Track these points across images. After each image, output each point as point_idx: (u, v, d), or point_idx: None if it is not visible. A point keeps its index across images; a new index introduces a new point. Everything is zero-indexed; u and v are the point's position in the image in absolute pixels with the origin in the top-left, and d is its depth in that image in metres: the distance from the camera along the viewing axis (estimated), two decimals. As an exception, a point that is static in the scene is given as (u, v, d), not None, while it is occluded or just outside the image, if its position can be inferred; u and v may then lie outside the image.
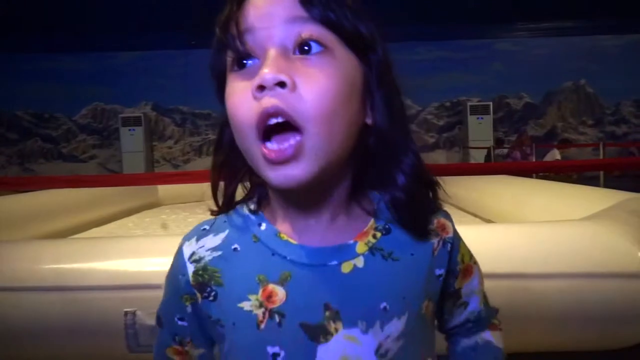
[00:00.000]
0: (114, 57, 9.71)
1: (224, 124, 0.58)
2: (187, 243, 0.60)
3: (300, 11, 0.50)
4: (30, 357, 1.49)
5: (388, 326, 0.54)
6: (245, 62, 0.52)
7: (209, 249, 0.58)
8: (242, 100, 0.51)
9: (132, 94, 9.84)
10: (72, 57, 9.68)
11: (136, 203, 4.18)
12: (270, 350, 0.53)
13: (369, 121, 0.55)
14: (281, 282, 0.54)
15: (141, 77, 9.75)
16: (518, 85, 9.89)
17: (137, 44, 9.34)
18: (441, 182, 0.60)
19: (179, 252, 0.60)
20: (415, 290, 0.57)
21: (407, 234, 0.57)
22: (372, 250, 0.56)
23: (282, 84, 0.48)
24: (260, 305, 0.54)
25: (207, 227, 0.60)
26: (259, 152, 0.50)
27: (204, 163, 9.47)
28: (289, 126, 0.49)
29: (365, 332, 0.53)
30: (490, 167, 3.78)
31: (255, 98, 0.49)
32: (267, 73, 0.48)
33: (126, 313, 1.36)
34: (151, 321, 1.31)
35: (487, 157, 7.83)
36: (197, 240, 0.60)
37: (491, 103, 9.44)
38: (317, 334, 0.53)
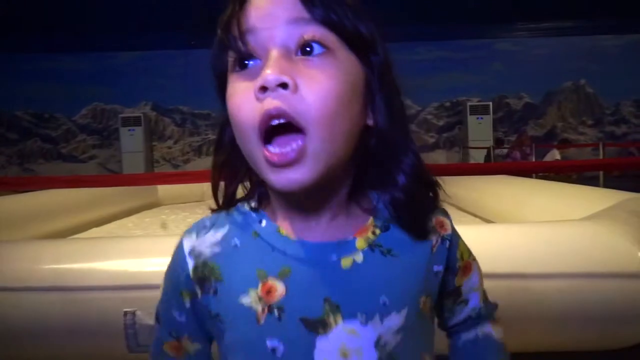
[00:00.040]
0: (114, 57, 9.71)
1: (224, 124, 0.58)
2: (187, 238, 0.60)
3: (302, 12, 0.50)
4: (30, 357, 1.49)
5: (387, 319, 0.54)
6: (247, 62, 0.52)
7: (208, 245, 0.58)
8: (244, 100, 0.51)
9: (132, 94, 9.84)
10: (72, 57, 9.68)
11: (136, 203, 4.18)
12: (270, 344, 0.54)
13: (369, 122, 0.55)
14: (281, 277, 0.54)
15: (141, 77, 9.75)
16: (518, 85, 9.89)
17: (137, 44, 9.34)
18: (441, 182, 0.61)
19: (179, 246, 0.60)
20: (414, 286, 0.57)
21: (406, 232, 0.58)
22: (372, 246, 0.56)
23: (284, 85, 0.48)
24: (260, 300, 0.54)
25: (207, 223, 0.60)
26: (261, 154, 0.50)
27: (204, 163, 9.47)
28: (290, 127, 0.49)
29: (364, 324, 0.54)
30: (490, 167, 3.78)
31: (257, 99, 0.49)
32: (270, 74, 0.48)
33: (126, 313, 1.36)
34: (151, 321, 1.30)
35: (487, 157, 7.83)
36: (197, 235, 0.60)
37: (491, 103, 9.44)
38: (317, 327, 0.53)
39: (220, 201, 0.61)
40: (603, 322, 1.44)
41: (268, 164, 0.50)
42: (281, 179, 0.50)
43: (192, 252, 0.59)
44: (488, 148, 8.04)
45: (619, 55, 9.71)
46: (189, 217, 3.51)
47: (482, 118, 9.31)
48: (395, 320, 0.55)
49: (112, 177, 5.40)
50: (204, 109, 9.70)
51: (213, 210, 0.62)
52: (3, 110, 9.83)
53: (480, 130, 9.24)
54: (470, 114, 9.33)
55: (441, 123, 10.09)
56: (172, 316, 0.61)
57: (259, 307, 0.54)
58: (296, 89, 0.48)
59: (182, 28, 7.81)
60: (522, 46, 9.92)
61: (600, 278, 1.42)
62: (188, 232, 0.61)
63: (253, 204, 0.60)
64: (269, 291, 0.54)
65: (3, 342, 1.43)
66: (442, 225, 0.61)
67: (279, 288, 0.54)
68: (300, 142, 0.49)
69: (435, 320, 0.66)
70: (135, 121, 9.44)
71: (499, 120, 9.84)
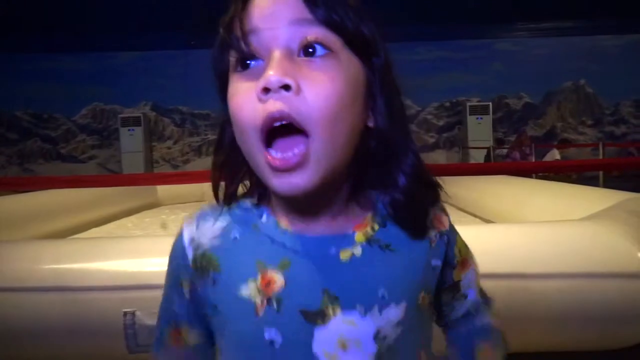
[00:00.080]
0: (113, 57, 9.71)
1: (224, 123, 0.58)
2: (187, 228, 0.61)
3: (304, 13, 0.50)
4: (30, 357, 1.49)
5: (386, 312, 0.55)
6: (249, 62, 0.52)
7: (208, 236, 0.59)
8: (246, 100, 0.51)
9: (132, 94, 9.83)
10: (72, 57, 9.68)
11: (135, 203, 4.18)
12: (268, 336, 0.54)
13: (370, 124, 0.55)
14: (280, 269, 0.55)
15: (141, 77, 9.74)
16: (518, 85, 9.89)
17: (137, 44, 9.34)
18: (441, 182, 0.61)
19: (180, 236, 0.61)
20: (413, 280, 0.57)
21: (404, 230, 0.58)
22: (370, 241, 0.57)
23: (286, 87, 0.48)
24: (259, 292, 0.54)
25: (208, 213, 0.61)
26: (263, 158, 0.50)
27: (204, 163, 9.47)
28: (292, 128, 0.49)
29: (363, 315, 0.54)
30: (490, 167, 3.78)
31: (260, 100, 0.49)
32: (273, 75, 0.48)
33: (125, 313, 1.36)
34: (150, 321, 1.31)
35: (487, 157, 7.83)
36: (198, 226, 0.60)
37: (490, 103, 9.44)
38: (315, 318, 0.53)
39: (221, 201, 0.61)
40: (603, 322, 1.44)
41: (270, 168, 0.50)
42: (283, 184, 0.50)
43: (192, 242, 0.59)
44: (488, 148, 8.04)
45: (619, 55, 9.72)
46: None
47: (481, 118, 9.31)
48: (394, 313, 0.55)
49: (112, 177, 5.40)
50: (203, 109, 9.69)
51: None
52: (3, 110, 9.83)
53: (480, 131, 9.25)
54: (470, 114, 9.33)
55: (441, 123, 10.09)
56: (172, 306, 0.61)
57: (257, 299, 0.54)
58: (299, 90, 0.48)
59: (182, 28, 7.81)
60: (522, 46, 9.92)
61: (600, 278, 1.42)
62: (188, 222, 0.61)
63: (254, 200, 0.60)
64: (268, 283, 0.54)
65: (3, 342, 1.43)
66: (440, 221, 0.61)
67: (278, 280, 0.54)
68: (302, 146, 0.49)
69: (433, 317, 0.66)
70: (135, 121, 9.44)
71: (498, 121, 9.84)
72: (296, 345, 0.53)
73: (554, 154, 7.49)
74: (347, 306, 0.54)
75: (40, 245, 1.68)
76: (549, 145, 8.64)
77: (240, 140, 0.53)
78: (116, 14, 8.07)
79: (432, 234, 0.60)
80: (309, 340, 0.53)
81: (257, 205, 0.60)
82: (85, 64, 9.68)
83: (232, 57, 0.53)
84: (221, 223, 0.59)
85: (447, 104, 10.05)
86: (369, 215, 0.58)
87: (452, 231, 0.63)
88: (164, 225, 3.30)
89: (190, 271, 0.58)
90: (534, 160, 7.03)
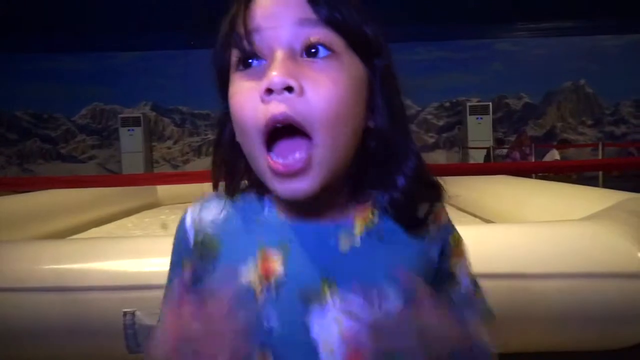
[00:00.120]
0: (113, 57, 9.70)
1: (223, 121, 0.58)
2: (191, 211, 0.62)
3: (308, 12, 0.50)
4: (30, 357, 1.49)
5: (384, 301, 0.55)
6: (250, 61, 0.52)
7: (210, 223, 0.59)
8: (247, 100, 0.51)
9: (132, 94, 9.83)
10: (72, 57, 9.68)
11: (135, 203, 4.18)
12: (266, 322, 0.54)
13: (370, 124, 0.55)
14: (280, 256, 0.55)
15: (141, 77, 9.74)
16: (517, 85, 9.89)
17: (137, 44, 9.34)
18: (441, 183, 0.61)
19: (183, 218, 0.62)
20: (411, 271, 0.57)
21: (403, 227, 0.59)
22: (370, 232, 0.57)
23: (290, 89, 0.48)
24: (258, 278, 0.55)
25: (212, 200, 0.61)
26: (265, 162, 0.51)
27: (204, 163, 9.47)
28: (294, 129, 0.49)
29: (361, 303, 0.54)
30: (490, 167, 3.78)
31: (262, 101, 0.49)
32: (276, 76, 0.48)
33: (125, 313, 1.36)
34: (150, 321, 1.30)
35: (487, 157, 7.83)
36: (201, 211, 0.61)
37: (490, 103, 9.44)
38: (314, 304, 0.54)
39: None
40: (603, 322, 1.44)
41: (272, 172, 0.50)
42: (286, 189, 0.50)
43: (194, 225, 0.60)
44: (488, 148, 8.04)
45: (619, 55, 9.71)
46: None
47: (481, 118, 9.31)
48: (392, 302, 0.55)
49: (112, 177, 5.40)
50: (203, 109, 9.69)
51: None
52: (3, 110, 9.82)
53: (479, 131, 9.24)
54: (469, 114, 9.33)
55: (441, 123, 10.09)
56: (174, 287, 0.61)
57: (257, 284, 0.55)
58: (302, 92, 0.48)
59: (182, 28, 7.82)
60: (522, 46, 9.92)
61: (600, 278, 1.42)
62: (193, 206, 0.62)
63: (255, 193, 0.61)
64: (267, 269, 0.55)
65: (3, 342, 1.43)
66: (438, 215, 0.62)
67: (278, 266, 0.55)
68: (304, 150, 0.49)
69: None
70: (135, 121, 9.43)
71: (498, 121, 9.84)
72: (295, 332, 0.54)
73: (554, 154, 7.49)
74: (345, 292, 0.54)
75: (40, 245, 1.68)
76: (548, 145, 8.64)
77: (241, 139, 0.53)
78: (116, 14, 8.07)
79: (431, 227, 0.60)
80: (307, 327, 0.54)
81: (259, 196, 0.60)
82: (85, 64, 9.68)
83: (234, 56, 0.53)
84: (223, 211, 0.60)
85: (447, 104, 10.05)
86: (369, 207, 0.58)
87: (449, 222, 0.64)
88: (164, 226, 3.29)
89: (192, 253, 0.59)
90: (533, 160, 7.03)
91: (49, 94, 9.66)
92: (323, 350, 0.53)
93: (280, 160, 0.49)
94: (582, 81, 10.00)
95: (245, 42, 0.51)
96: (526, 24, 9.67)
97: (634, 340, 1.48)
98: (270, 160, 0.50)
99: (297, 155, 0.49)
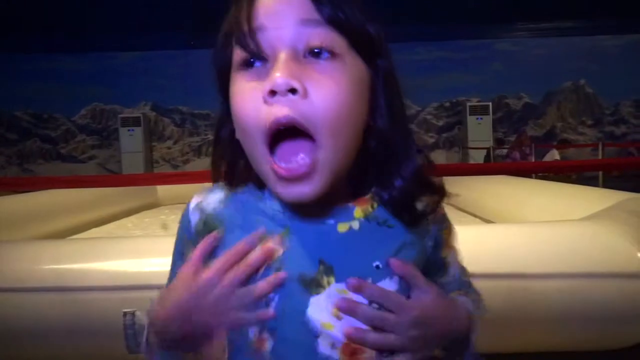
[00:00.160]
0: (113, 57, 9.70)
1: (223, 120, 0.58)
2: (196, 197, 0.63)
3: (311, 13, 0.50)
4: (30, 357, 1.49)
5: (380, 284, 0.55)
6: (253, 61, 0.52)
7: (213, 206, 0.60)
8: (249, 100, 0.51)
9: (132, 94, 9.83)
10: (72, 57, 9.68)
11: (135, 203, 4.18)
12: (265, 305, 0.54)
13: (371, 123, 0.56)
14: (280, 238, 0.55)
15: (141, 77, 9.74)
16: (517, 85, 9.89)
17: (137, 44, 9.34)
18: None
19: (188, 204, 0.63)
20: (408, 257, 0.58)
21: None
22: (368, 217, 0.57)
23: (293, 91, 0.48)
24: None
25: (217, 189, 0.62)
26: (268, 164, 0.51)
27: (204, 163, 9.46)
28: (297, 130, 0.49)
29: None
30: (490, 168, 3.78)
31: (265, 102, 0.49)
32: (279, 77, 0.48)
33: (125, 314, 1.35)
34: (151, 321, 1.30)
35: (487, 158, 7.83)
36: (205, 196, 0.62)
37: (490, 103, 9.44)
38: (311, 286, 0.54)
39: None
40: (603, 322, 1.44)
41: (275, 175, 0.50)
42: (290, 193, 0.51)
43: (197, 208, 0.61)
44: (488, 148, 8.04)
45: (619, 56, 9.71)
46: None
47: (481, 118, 9.31)
48: (388, 286, 0.55)
49: (112, 178, 5.40)
50: (203, 109, 9.69)
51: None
52: (3, 110, 9.82)
53: (479, 131, 9.25)
54: (469, 114, 9.33)
55: (441, 123, 10.09)
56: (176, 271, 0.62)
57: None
58: (305, 94, 0.48)
59: (182, 28, 7.83)
60: (522, 46, 9.92)
61: (600, 278, 1.42)
62: (197, 195, 0.63)
63: (256, 184, 0.61)
64: (267, 251, 0.55)
65: (3, 342, 1.43)
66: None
67: (278, 249, 0.55)
68: (308, 152, 0.49)
69: None
70: (135, 121, 9.43)
71: (498, 121, 9.84)
72: (292, 313, 0.54)
73: (554, 154, 7.49)
74: (342, 276, 0.54)
75: (40, 245, 1.68)
76: (548, 145, 8.64)
77: (243, 139, 0.54)
78: (116, 14, 8.07)
79: (428, 219, 0.61)
80: (304, 309, 0.54)
81: (259, 187, 0.60)
82: (85, 64, 9.68)
83: (236, 55, 0.53)
84: (226, 200, 0.60)
85: (447, 104, 10.05)
86: (369, 201, 0.59)
87: (444, 215, 0.65)
88: (164, 226, 3.29)
89: (193, 235, 0.60)
90: (533, 160, 7.03)
91: (48, 94, 9.66)
92: (321, 332, 0.54)
93: (284, 165, 0.50)
94: (582, 81, 10.00)
95: (248, 41, 0.51)
96: (526, 24, 9.67)
97: (634, 340, 1.48)
98: (273, 164, 0.50)
99: (301, 157, 0.49)
